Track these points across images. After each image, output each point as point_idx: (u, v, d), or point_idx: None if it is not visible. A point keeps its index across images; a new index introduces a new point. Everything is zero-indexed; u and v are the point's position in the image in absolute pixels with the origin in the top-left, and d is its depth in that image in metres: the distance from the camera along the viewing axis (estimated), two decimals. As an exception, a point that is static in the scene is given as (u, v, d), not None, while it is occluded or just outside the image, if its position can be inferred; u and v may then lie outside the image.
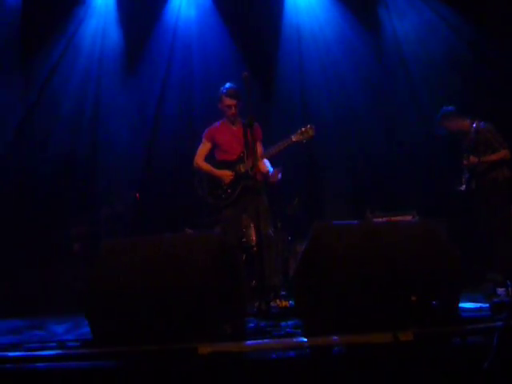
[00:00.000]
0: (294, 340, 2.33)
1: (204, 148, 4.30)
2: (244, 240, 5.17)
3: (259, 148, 4.10)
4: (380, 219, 4.69)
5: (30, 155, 6.03)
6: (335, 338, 2.31)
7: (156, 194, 6.14)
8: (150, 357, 2.25)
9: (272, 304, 3.21)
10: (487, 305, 2.95)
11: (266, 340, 2.39)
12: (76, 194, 6.00)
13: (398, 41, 6.27)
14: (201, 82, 6.31)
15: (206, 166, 4.26)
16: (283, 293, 4.16)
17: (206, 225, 5.19)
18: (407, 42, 6.21)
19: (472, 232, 4.62)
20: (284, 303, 3.29)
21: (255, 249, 5.07)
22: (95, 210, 5.84)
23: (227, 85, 4.15)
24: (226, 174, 4.13)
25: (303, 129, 3.97)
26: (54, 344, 2.61)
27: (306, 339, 2.32)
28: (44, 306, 4.95)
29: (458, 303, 2.68)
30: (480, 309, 2.99)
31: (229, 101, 4.10)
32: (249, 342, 2.33)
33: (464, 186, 4.36)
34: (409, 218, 4.46)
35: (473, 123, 4.33)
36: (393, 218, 4.48)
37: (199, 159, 4.29)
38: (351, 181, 6.32)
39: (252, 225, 5.17)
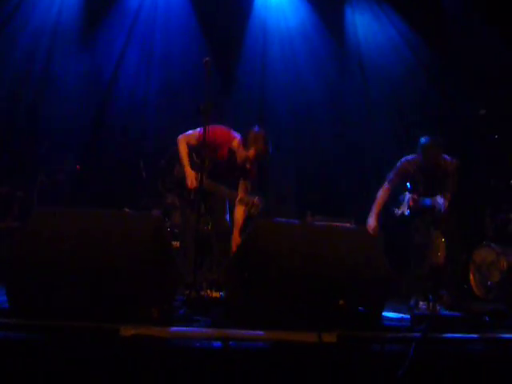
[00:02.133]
0: (221, 331, 2.31)
1: (193, 140, 3.84)
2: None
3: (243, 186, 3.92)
4: (320, 222, 4.77)
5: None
6: (261, 332, 2.32)
7: (98, 168, 5.94)
8: (69, 334, 2.16)
9: (202, 293, 3.18)
10: (408, 316, 3.07)
11: (191, 328, 2.36)
12: (13, 155, 5.70)
13: (359, 49, 6.45)
14: (160, 59, 6.17)
15: (184, 154, 3.83)
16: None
17: (145, 207, 5.09)
18: (368, 52, 6.40)
19: (404, 246, 4.80)
20: (215, 294, 3.28)
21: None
22: (32, 176, 5.56)
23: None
24: (192, 181, 3.76)
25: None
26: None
27: (232, 331, 2.31)
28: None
29: (383, 311, 2.78)
30: (401, 319, 3.11)
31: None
32: (174, 329, 2.30)
33: (400, 212, 4.31)
34: (347, 225, 4.56)
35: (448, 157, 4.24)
36: (332, 223, 4.57)
37: (184, 142, 3.84)
38: (296, 181, 6.42)
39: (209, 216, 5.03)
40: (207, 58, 3.46)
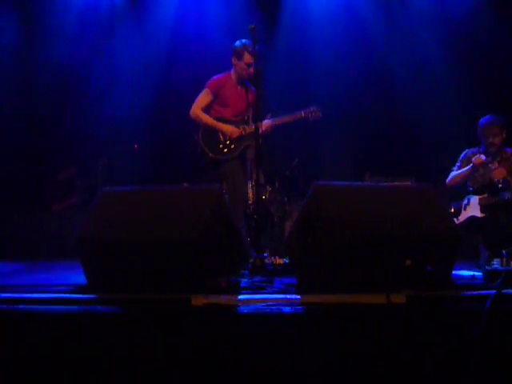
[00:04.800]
0: (288, 297, 2.33)
1: (206, 99, 4.13)
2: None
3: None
4: (379, 183, 4.66)
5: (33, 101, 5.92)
6: (329, 296, 2.32)
7: (154, 146, 6.08)
8: (144, 305, 2.26)
9: (267, 261, 3.22)
10: (480, 274, 2.96)
11: (259, 295, 2.40)
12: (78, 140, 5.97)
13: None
14: (209, 37, 6.13)
15: (208, 117, 4.10)
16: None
17: (205, 180, 5.16)
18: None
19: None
20: (278, 261, 3.31)
21: (252, 206, 5.08)
22: (93, 160, 5.80)
23: (245, 41, 3.96)
24: (234, 129, 4.02)
25: (312, 109, 4.08)
26: (47, 288, 2.62)
27: (299, 296, 2.33)
28: (37, 251, 5.00)
29: (452, 270, 2.69)
30: (473, 277, 3.01)
31: (250, 59, 3.93)
32: (242, 296, 2.34)
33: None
34: (407, 183, 4.44)
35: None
36: (391, 183, 4.46)
37: (198, 109, 4.11)
38: (351, 144, 6.28)
39: (249, 182, 5.14)
40: (253, 26, 3.45)
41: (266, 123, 4.06)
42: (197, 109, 4.12)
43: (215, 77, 4.22)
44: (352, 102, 6.16)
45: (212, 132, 4.08)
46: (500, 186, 4.05)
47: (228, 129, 4.03)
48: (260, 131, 3.42)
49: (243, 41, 3.98)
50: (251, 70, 3.95)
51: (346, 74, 6.14)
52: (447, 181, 4.41)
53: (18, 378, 2.07)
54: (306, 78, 6.17)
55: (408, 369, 2.09)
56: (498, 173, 4.06)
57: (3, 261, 4.34)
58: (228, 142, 4.04)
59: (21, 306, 2.19)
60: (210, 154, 4.07)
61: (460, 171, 4.31)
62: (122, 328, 2.16)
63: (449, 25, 5.83)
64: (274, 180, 5.37)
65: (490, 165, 4.12)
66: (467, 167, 4.24)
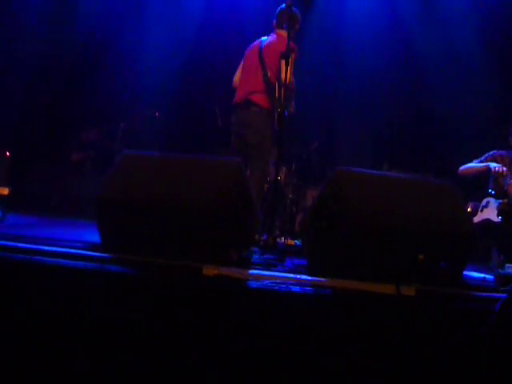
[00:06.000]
0: (298, 276, 2.34)
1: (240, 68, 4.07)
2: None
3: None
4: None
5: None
6: (338, 281, 2.33)
7: (177, 116, 6.08)
8: (156, 269, 2.28)
9: (278, 240, 3.23)
10: (492, 277, 2.95)
11: (270, 272, 2.41)
12: (96, 104, 5.99)
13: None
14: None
15: None
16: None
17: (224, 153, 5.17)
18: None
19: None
20: (290, 242, 3.32)
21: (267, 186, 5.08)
22: (114, 123, 5.83)
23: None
24: None
25: None
26: (62, 242, 2.65)
27: (309, 277, 2.34)
28: (52, 205, 5.08)
29: (465, 269, 2.68)
30: (484, 279, 2.99)
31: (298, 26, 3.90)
32: (253, 271, 2.36)
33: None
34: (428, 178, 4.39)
35: None
36: (413, 176, 4.42)
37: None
38: (372, 134, 6.24)
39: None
40: (289, 2, 3.41)
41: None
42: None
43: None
44: (377, 91, 6.11)
45: None
46: None
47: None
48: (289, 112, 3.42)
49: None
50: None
51: (373, 61, 6.06)
52: (461, 168, 4.35)
53: (28, 325, 2.12)
54: (333, 63, 6.10)
55: (411, 361, 2.10)
56: None
57: (19, 213, 4.40)
58: None
59: (36, 257, 2.23)
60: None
61: (476, 165, 4.26)
62: (132, 289, 2.20)
63: (483, 16, 5.68)
64: (290, 161, 5.36)
65: (508, 179, 4.07)
66: (483, 164, 4.19)
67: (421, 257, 2.53)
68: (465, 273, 2.78)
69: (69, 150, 5.97)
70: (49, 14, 6.01)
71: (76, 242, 2.76)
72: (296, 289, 2.20)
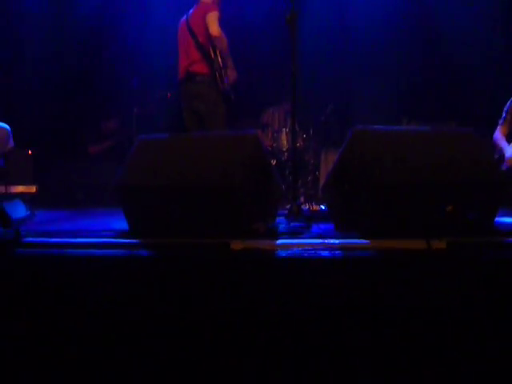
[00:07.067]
0: (326, 241, 2.34)
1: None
2: (275, 145, 5.13)
3: None
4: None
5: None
6: (367, 241, 2.31)
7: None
8: (185, 250, 2.31)
9: (303, 207, 3.22)
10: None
11: (297, 240, 2.41)
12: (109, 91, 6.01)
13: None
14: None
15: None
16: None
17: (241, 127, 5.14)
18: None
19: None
20: (315, 207, 3.30)
21: (286, 154, 5.05)
22: (128, 109, 5.84)
23: None
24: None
25: None
26: (91, 233, 2.71)
27: (337, 241, 2.33)
28: (75, 199, 5.19)
29: (496, 216, 2.63)
30: (517, 223, 2.94)
31: None
32: (280, 241, 2.36)
33: None
34: (450, 127, 4.28)
35: None
36: (433, 127, 4.31)
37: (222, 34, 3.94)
38: (387, 89, 6.08)
39: (284, 129, 5.10)
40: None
41: None
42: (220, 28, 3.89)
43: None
44: (390, 44, 5.93)
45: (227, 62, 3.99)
46: None
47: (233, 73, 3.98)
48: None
49: None
50: None
51: (388, 13, 5.87)
52: (494, 138, 4.21)
53: (67, 317, 2.18)
54: (345, 21, 5.93)
55: (447, 315, 2.09)
56: None
57: (45, 210, 4.50)
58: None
59: (69, 251, 2.28)
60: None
61: (500, 144, 4.11)
62: (164, 272, 2.23)
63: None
64: (308, 127, 5.30)
65: None
66: (503, 147, 4.06)
67: (449, 208, 2.48)
68: (497, 219, 2.72)
69: (87, 142, 6.06)
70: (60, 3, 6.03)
71: (105, 231, 2.81)
72: (325, 253, 2.20)
